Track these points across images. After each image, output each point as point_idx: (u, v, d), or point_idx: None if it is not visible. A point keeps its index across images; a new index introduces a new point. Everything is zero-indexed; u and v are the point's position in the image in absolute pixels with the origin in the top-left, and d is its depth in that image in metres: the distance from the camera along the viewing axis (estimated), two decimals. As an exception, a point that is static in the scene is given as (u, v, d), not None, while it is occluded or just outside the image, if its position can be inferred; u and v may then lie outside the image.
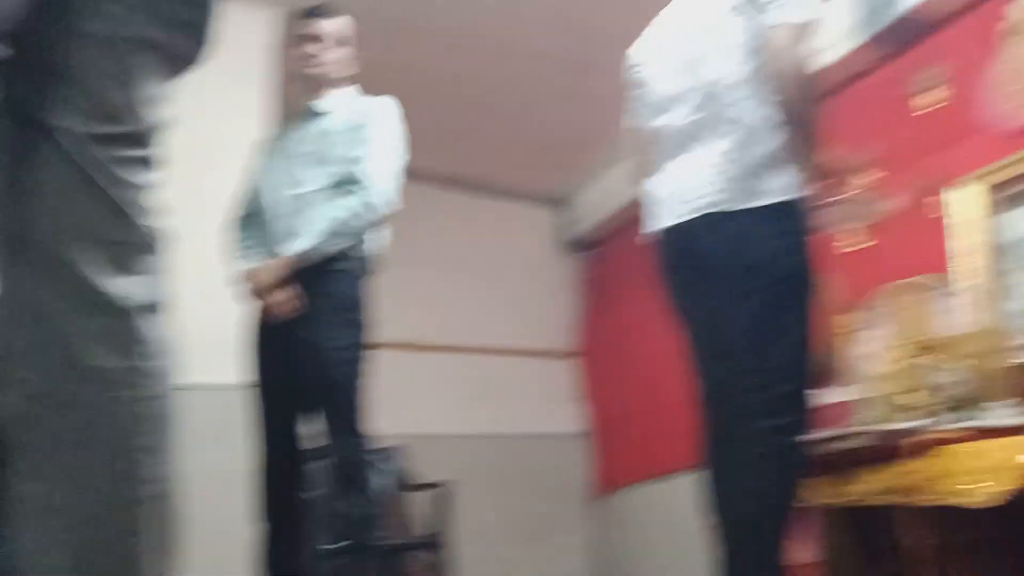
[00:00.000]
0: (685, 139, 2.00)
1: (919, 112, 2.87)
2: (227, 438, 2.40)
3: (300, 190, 2.27)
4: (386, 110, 2.38)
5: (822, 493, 2.26)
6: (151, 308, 0.94)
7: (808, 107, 1.90)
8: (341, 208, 2.21)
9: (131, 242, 0.93)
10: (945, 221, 2.71)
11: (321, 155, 2.30)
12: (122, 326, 0.89)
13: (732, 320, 1.90)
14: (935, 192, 2.77)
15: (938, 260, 2.68)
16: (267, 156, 2.42)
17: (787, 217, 1.86)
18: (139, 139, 0.95)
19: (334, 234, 2.19)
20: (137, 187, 0.94)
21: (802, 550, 2.67)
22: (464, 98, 3.83)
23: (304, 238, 2.17)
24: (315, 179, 2.27)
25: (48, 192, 0.88)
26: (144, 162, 0.96)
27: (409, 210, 2.66)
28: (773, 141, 1.89)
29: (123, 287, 0.90)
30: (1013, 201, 2.58)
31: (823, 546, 2.45)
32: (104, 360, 0.88)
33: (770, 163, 1.88)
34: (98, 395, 0.87)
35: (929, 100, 2.85)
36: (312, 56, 2.36)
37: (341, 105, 2.40)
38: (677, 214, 1.96)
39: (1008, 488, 1.73)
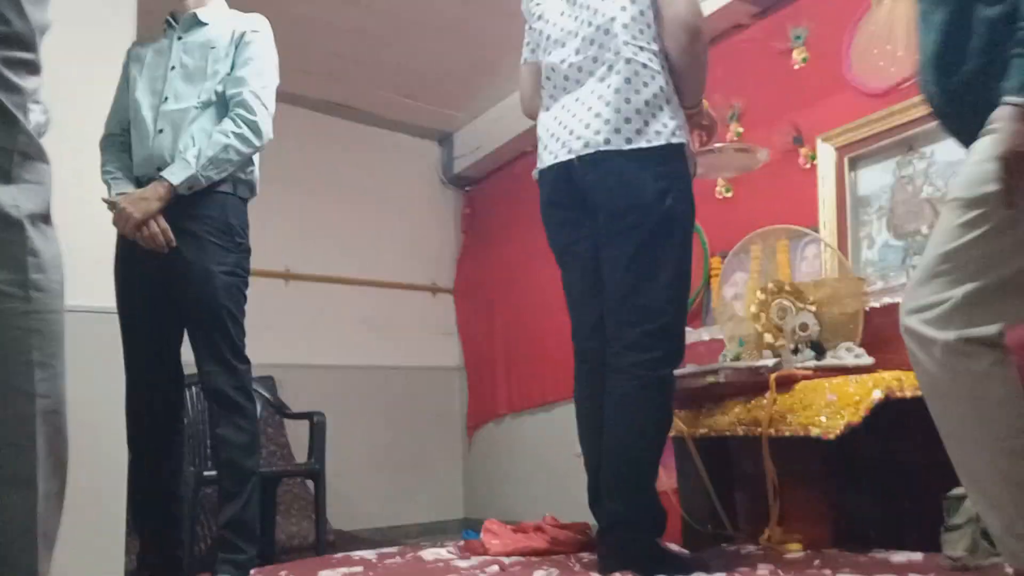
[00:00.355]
0: (576, 75, 2.03)
1: (792, 67, 3.00)
2: (104, 364, 2.32)
3: (179, 104, 2.16)
4: (266, 29, 2.28)
5: (683, 424, 2.41)
6: (42, 218, 0.89)
7: (696, 53, 1.97)
8: (227, 132, 2.11)
9: (19, 150, 0.88)
10: (817, 172, 2.88)
11: (202, 69, 2.18)
12: (13, 238, 0.85)
13: (611, 257, 1.98)
14: (808, 144, 2.94)
15: (810, 208, 2.85)
16: (137, 68, 2.27)
17: (669, 160, 1.94)
18: (25, 41, 0.90)
19: (219, 160, 2.10)
20: (23, 91, 0.89)
21: (661, 477, 2.84)
22: (353, 24, 3.71)
23: (187, 163, 2.07)
24: (195, 93, 2.17)
25: None
26: (29, 66, 0.91)
27: (293, 135, 2.59)
28: (659, 84, 1.95)
29: (11, 196, 0.86)
30: (871, 158, 2.77)
31: (678, 474, 2.61)
32: None
33: (656, 106, 1.93)
34: None
35: (801, 56, 2.98)
36: None
37: (220, 16, 2.29)
38: (565, 151, 2.00)
39: (858, 420, 1.90)
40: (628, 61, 1.95)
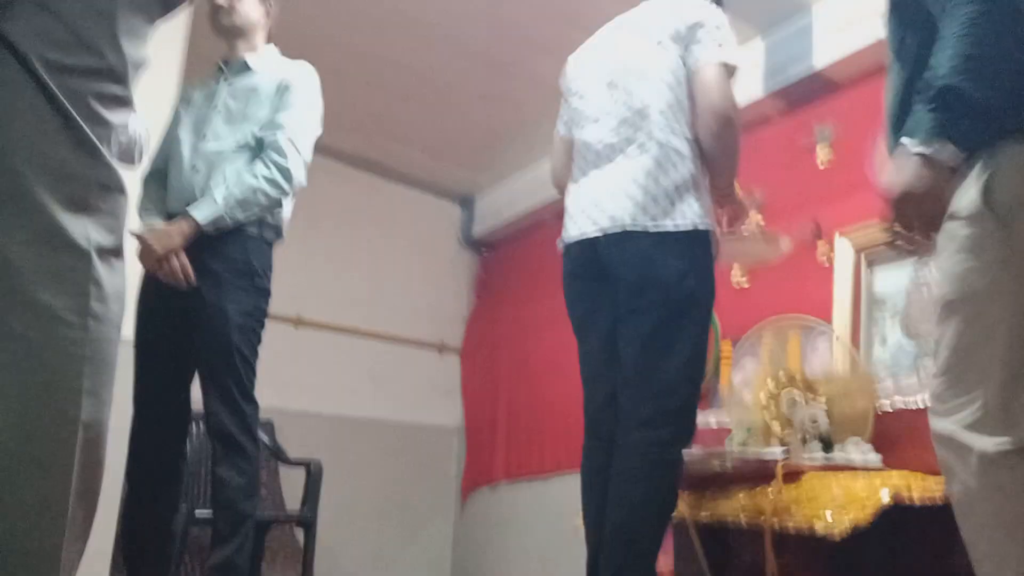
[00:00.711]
0: (609, 153, 2.07)
1: (815, 163, 3.06)
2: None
3: (217, 145, 2.20)
4: (311, 78, 2.33)
5: (685, 507, 2.38)
6: (112, 252, 0.91)
7: (728, 141, 2.01)
8: (257, 175, 2.14)
9: (99, 181, 0.90)
10: (833, 268, 2.91)
11: (245, 112, 2.23)
12: (78, 266, 0.87)
13: (628, 333, 1.98)
14: (827, 240, 2.97)
15: (824, 303, 2.87)
16: (185, 108, 2.34)
17: (695, 243, 1.96)
18: (118, 75, 0.93)
19: (247, 202, 2.13)
20: (110, 125, 0.91)
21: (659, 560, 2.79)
22: (382, 81, 3.81)
23: (215, 202, 2.10)
24: (234, 135, 2.21)
25: (18, 120, 0.85)
26: (119, 100, 0.93)
27: (317, 185, 2.64)
28: (689, 169, 1.99)
29: (84, 227, 0.88)
30: (888, 258, 2.79)
31: (676, 558, 2.57)
32: (54, 298, 0.85)
33: (684, 189, 1.97)
34: (44, 331, 0.85)
35: (825, 153, 3.04)
36: (222, 7, 2.29)
37: (269, 63, 2.35)
38: (593, 226, 2.03)
39: (866, 521, 1.87)
40: (661, 145, 1.99)
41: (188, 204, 2.14)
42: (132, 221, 2.13)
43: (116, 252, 0.92)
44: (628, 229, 1.96)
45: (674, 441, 1.92)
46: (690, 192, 1.97)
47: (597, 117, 2.12)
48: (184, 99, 2.38)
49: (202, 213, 2.09)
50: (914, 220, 1.37)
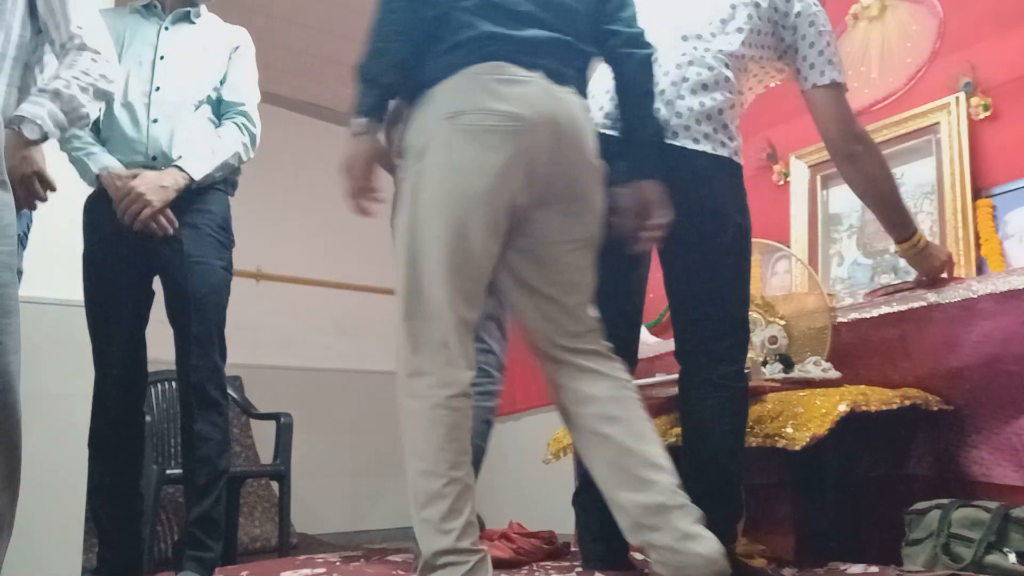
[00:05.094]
0: None
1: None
2: (59, 358, 2.28)
3: (175, 97, 2.15)
4: (250, 42, 2.35)
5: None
6: None
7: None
8: (236, 140, 2.19)
9: None
10: (789, 189, 2.92)
11: (198, 68, 2.21)
12: None
13: (683, 262, 1.90)
14: (782, 161, 2.97)
15: (782, 224, 2.89)
16: (117, 45, 2.16)
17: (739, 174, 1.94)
18: None
19: (227, 164, 2.17)
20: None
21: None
22: (332, 24, 3.71)
23: (202, 159, 2.10)
24: (189, 90, 2.18)
25: None
26: None
27: (268, 134, 2.57)
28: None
29: None
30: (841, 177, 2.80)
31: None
32: None
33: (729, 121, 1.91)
34: None
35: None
36: None
37: (210, 22, 2.32)
38: None
39: (823, 432, 1.92)
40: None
41: (154, 157, 2.10)
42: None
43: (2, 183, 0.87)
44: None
45: (744, 373, 1.92)
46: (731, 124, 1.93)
47: None
48: (111, 30, 2.15)
49: (197, 170, 2.09)
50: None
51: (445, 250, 1.52)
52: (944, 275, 2.15)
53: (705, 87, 1.89)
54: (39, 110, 1.65)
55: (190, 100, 2.18)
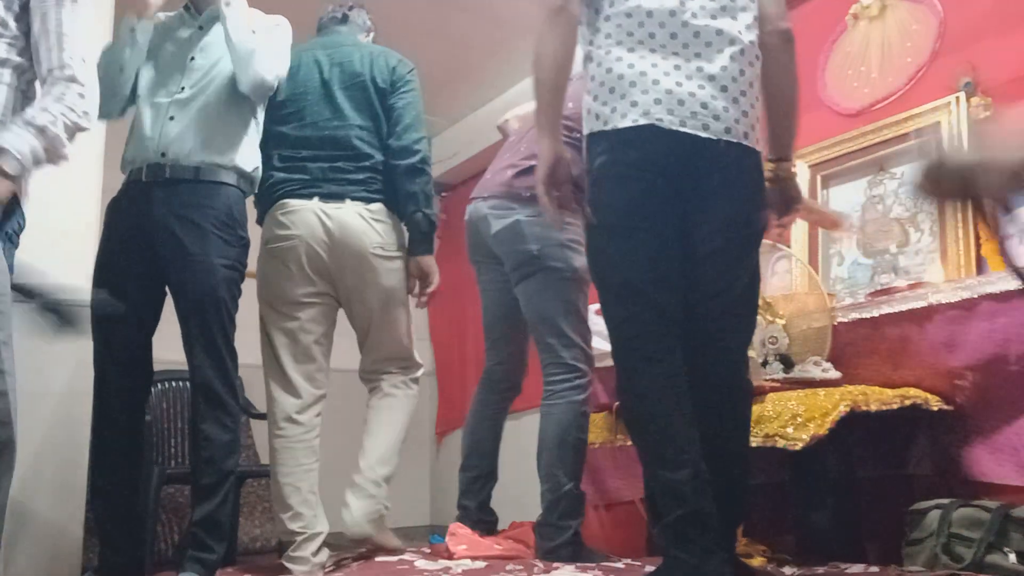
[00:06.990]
0: None
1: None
2: (61, 357, 2.27)
3: (199, 101, 2.15)
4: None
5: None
6: None
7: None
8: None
9: None
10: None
11: (214, 70, 2.20)
12: None
13: (730, 254, 1.81)
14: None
15: (782, 224, 2.88)
16: (132, 45, 2.17)
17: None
18: None
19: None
20: None
21: (625, 487, 2.85)
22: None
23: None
24: (207, 91, 2.17)
25: None
26: None
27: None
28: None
29: None
30: (842, 176, 2.81)
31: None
32: None
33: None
34: None
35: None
36: None
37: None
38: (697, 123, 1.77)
39: (823, 432, 1.92)
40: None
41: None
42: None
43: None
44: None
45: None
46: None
47: None
48: (141, 31, 2.18)
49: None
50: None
51: None
52: (791, 214, 2.01)
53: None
54: (22, 145, 1.63)
55: (211, 104, 2.16)
